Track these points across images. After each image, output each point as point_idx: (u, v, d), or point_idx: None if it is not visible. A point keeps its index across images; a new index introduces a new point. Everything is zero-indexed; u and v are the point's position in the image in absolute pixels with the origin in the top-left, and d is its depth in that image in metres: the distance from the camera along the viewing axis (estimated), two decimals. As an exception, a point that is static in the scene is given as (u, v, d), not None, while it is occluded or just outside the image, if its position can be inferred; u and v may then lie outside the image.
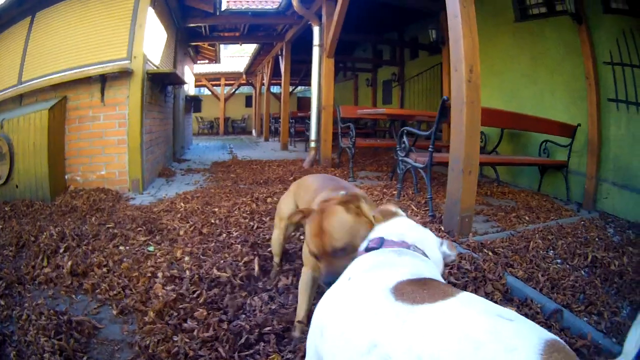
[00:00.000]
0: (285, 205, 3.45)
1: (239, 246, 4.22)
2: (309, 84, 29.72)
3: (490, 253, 4.07)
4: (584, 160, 7.13)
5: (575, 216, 6.14)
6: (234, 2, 12.33)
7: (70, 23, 7.57)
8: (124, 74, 7.08)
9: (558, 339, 1.13)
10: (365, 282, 1.62)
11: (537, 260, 4.06)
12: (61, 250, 4.15)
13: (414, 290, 1.42)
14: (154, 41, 8.65)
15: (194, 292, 3.30)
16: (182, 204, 5.98)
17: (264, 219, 5.22)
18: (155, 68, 8.45)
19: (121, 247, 4.28)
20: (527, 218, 5.69)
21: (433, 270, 1.73)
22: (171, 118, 11.46)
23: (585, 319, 3.15)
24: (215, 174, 9.29)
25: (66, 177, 7.06)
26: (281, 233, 3.50)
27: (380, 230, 1.98)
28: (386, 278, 1.56)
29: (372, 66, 21.18)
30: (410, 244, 1.84)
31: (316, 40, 10.14)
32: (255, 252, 4.07)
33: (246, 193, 6.63)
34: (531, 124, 7.02)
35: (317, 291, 2.77)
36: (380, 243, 1.86)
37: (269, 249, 4.10)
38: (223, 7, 11.46)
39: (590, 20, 6.85)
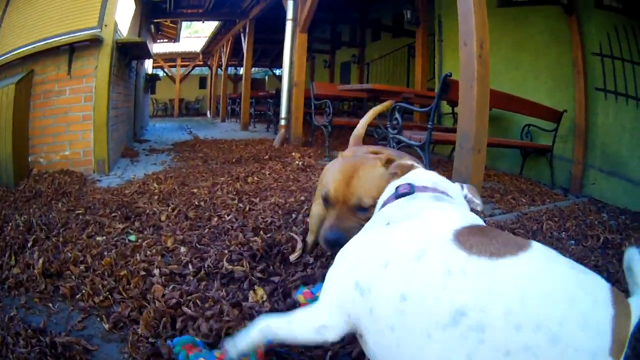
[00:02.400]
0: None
1: (239, 233, 3.66)
2: (264, 66, 30.01)
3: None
4: (568, 145, 7.17)
5: (566, 200, 6.11)
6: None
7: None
8: (94, 44, 6.54)
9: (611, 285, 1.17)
10: (415, 229, 1.40)
11: (554, 242, 3.93)
12: (29, 244, 3.41)
13: (482, 242, 1.25)
14: (123, 11, 8.12)
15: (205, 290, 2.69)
16: (155, 184, 5.47)
17: (253, 199, 4.75)
18: (124, 38, 7.94)
19: (98, 238, 3.56)
20: (523, 200, 5.59)
21: (478, 218, 1.53)
22: (133, 95, 10.94)
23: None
24: (181, 154, 8.82)
25: (29, 159, 6.40)
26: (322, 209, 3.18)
27: (405, 179, 1.77)
28: (440, 225, 1.37)
29: (330, 47, 21.16)
30: (442, 190, 1.68)
31: (290, 14, 9.64)
32: (262, 240, 3.38)
33: (222, 172, 6.27)
34: (521, 106, 6.93)
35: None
36: (412, 189, 1.66)
37: (278, 235, 3.52)
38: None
39: (580, 12, 6.89)
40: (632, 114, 6.47)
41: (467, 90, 4.25)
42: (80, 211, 4.29)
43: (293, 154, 7.84)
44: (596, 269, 3.40)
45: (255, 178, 5.77)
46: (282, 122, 9.89)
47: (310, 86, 8.79)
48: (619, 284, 3.13)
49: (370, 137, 6.67)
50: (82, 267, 2.98)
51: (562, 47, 7.20)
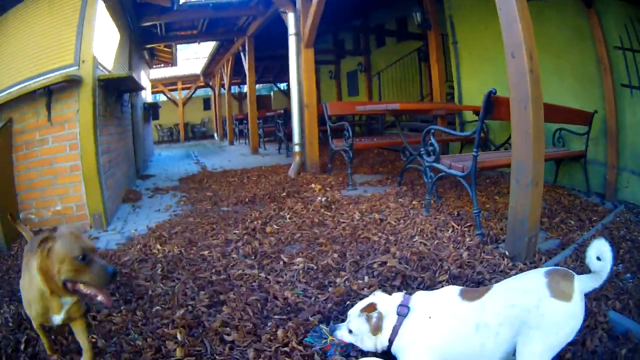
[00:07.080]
0: None
1: (280, 332, 2.83)
2: (268, 81, 29.55)
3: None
4: (599, 148, 6.70)
5: (607, 214, 5.57)
6: (193, -7, 11.12)
7: (12, 32, 6.47)
8: (72, 84, 5.79)
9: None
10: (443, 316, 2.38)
11: (612, 278, 3.44)
12: (22, 347, 2.86)
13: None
14: (105, 43, 7.34)
15: None
16: (158, 246, 4.68)
17: (275, 265, 4.02)
18: (107, 73, 7.15)
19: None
20: (572, 222, 5.06)
21: None
22: (130, 130, 10.31)
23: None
24: (188, 194, 7.93)
25: (20, 216, 5.67)
26: None
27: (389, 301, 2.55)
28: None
29: (334, 57, 20.89)
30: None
31: (292, 28, 8.96)
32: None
33: (235, 220, 5.54)
34: (554, 114, 6.13)
35: None
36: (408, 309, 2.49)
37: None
38: (181, 1, 10.28)
39: (598, 5, 6.36)
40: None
41: (520, 112, 3.66)
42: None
43: (313, 185, 7.29)
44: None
45: (275, 226, 5.14)
46: (296, 149, 9.14)
47: (323, 105, 8.11)
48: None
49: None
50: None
51: (584, 44, 6.64)
